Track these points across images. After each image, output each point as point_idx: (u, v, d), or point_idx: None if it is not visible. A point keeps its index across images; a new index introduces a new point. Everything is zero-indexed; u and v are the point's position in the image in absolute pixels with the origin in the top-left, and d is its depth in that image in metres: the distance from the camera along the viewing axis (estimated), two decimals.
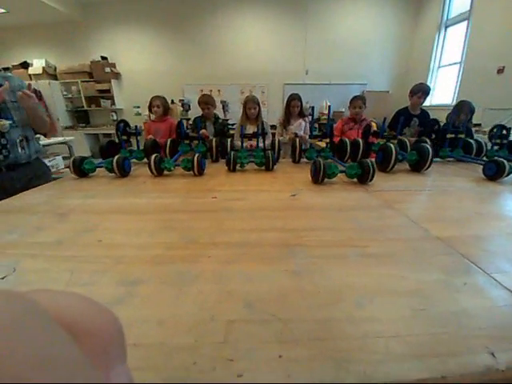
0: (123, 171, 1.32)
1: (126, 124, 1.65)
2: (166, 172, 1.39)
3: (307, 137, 2.38)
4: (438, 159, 1.69)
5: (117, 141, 1.67)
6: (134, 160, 1.62)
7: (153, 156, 1.32)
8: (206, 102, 2.21)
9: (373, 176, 1.14)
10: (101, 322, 0.13)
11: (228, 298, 0.49)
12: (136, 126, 1.64)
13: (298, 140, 1.59)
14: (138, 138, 1.65)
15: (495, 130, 1.63)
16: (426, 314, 0.44)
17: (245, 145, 1.67)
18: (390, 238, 0.70)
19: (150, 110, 2.27)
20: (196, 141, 1.67)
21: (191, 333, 0.41)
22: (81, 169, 1.32)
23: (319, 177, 1.14)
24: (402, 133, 2.16)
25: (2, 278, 0.55)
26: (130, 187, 1.21)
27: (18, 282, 0.54)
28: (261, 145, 1.61)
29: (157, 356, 0.38)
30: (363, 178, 1.15)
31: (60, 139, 3.62)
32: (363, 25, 5.02)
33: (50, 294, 0.13)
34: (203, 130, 2.07)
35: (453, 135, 1.63)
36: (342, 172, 1.21)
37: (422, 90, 2.20)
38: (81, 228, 0.79)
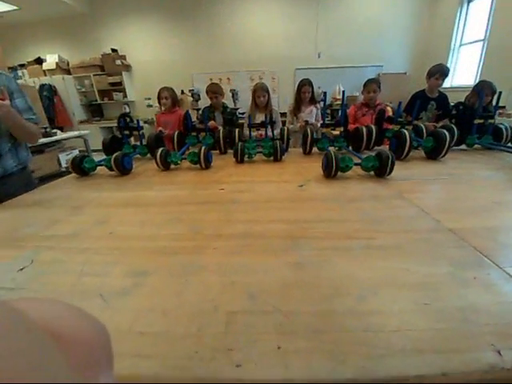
0: (123, 169, 1.26)
1: (128, 118, 1.61)
2: (172, 166, 1.37)
3: (319, 124, 2.26)
4: (463, 147, 1.57)
5: (120, 136, 1.63)
6: (137, 156, 1.59)
7: (159, 150, 1.30)
8: (213, 91, 2.17)
9: (391, 169, 1.04)
10: (87, 330, 0.13)
11: (231, 290, 0.50)
12: (138, 121, 1.61)
13: (309, 129, 1.50)
14: (142, 132, 1.61)
15: None
16: (430, 309, 0.43)
17: (254, 134, 1.64)
18: (398, 230, 0.69)
19: (159, 102, 2.28)
20: (203, 133, 1.64)
21: (194, 323, 0.42)
22: (81, 167, 1.27)
23: (331, 170, 1.05)
24: (419, 117, 2.05)
25: (21, 269, 0.58)
26: (140, 180, 1.23)
27: (34, 272, 0.57)
28: (270, 134, 1.59)
29: (162, 344, 0.39)
30: (381, 171, 1.06)
31: (76, 133, 3.73)
32: (377, 3, 4.74)
33: (37, 303, 0.13)
34: (211, 122, 2.05)
35: (481, 120, 1.48)
36: (357, 165, 1.12)
37: (440, 71, 2.08)
38: (93, 221, 0.82)
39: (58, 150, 3.48)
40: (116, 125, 1.58)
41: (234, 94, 4.11)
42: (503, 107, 3.00)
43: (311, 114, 2.26)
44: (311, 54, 5.09)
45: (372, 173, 1.12)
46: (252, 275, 0.53)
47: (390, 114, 1.67)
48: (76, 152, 3.65)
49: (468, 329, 0.39)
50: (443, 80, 2.11)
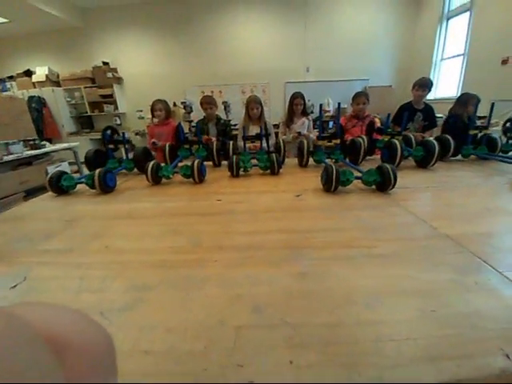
0: (105, 186, 1.15)
1: (114, 131, 1.52)
2: (164, 180, 1.30)
3: (311, 135, 2.33)
4: (458, 157, 1.56)
5: (104, 149, 1.52)
6: (123, 171, 1.50)
7: (150, 163, 1.23)
8: (208, 102, 2.21)
9: (394, 183, 1.00)
10: (90, 336, 0.13)
11: (236, 303, 0.49)
12: (123, 133, 1.52)
13: (305, 142, 1.48)
14: (127, 145, 1.52)
15: (509, 124, 1.55)
16: (436, 316, 0.43)
17: (248, 146, 1.63)
18: (397, 238, 0.70)
19: (152, 114, 2.28)
20: (196, 145, 1.59)
21: (200, 338, 0.41)
22: (59, 186, 1.16)
23: (331, 185, 1.02)
24: (406, 128, 2.13)
25: (14, 287, 0.56)
26: (133, 192, 1.21)
27: (28, 289, 0.55)
28: (265, 146, 1.58)
29: (167, 362, 0.38)
30: (383, 185, 1.02)
31: (65, 145, 3.66)
32: (363, 19, 4.97)
33: (40, 308, 0.13)
34: (205, 137, 2.04)
35: (476, 131, 1.51)
36: (357, 178, 1.08)
37: (419, 83, 2.20)
38: (88, 234, 0.79)
39: (47, 162, 3.39)
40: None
41: (226, 106, 4.17)
42: (484, 117, 3.15)
43: (303, 125, 2.32)
44: (300, 68, 5.25)
45: (373, 187, 1.08)
46: (256, 287, 0.53)
47: (379, 125, 1.72)
48: (65, 164, 3.57)
49: (476, 334, 0.40)
50: (425, 91, 2.21)
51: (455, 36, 4.17)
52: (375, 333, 0.40)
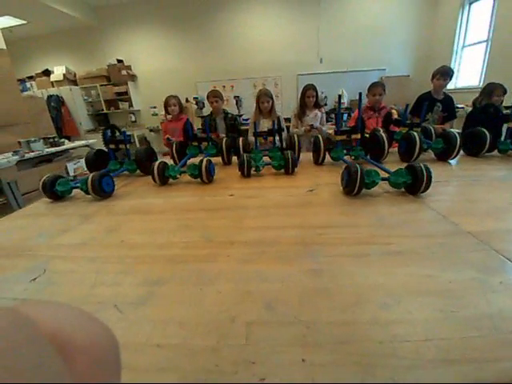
0: (101, 191, 1.06)
1: (114, 130, 1.42)
2: (170, 181, 1.23)
3: (324, 128, 2.28)
4: (495, 153, 1.39)
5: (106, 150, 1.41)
6: (126, 172, 1.41)
7: (156, 163, 1.17)
8: (214, 95, 2.16)
9: (428, 185, 0.88)
10: (94, 335, 0.13)
11: (247, 299, 0.48)
12: (124, 132, 1.39)
13: (320, 137, 1.34)
14: (128, 146, 1.39)
15: None
16: (457, 316, 0.41)
17: (259, 141, 1.47)
18: (415, 235, 0.67)
19: (166, 110, 2.30)
20: (205, 142, 1.51)
21: (212, 334, 0.41)
22: (53, 191, 1.07)
23: (354, 187, 0.88)
24: (425, 119, 2.03)
25: (34, 279, 0.58)
26: (143, 188, 1.22)
27: (47, 282, 0.57)
28: (278, 142, 1.49)
29: (179, 357, 0.38)
30: (415, 188, 0.89)
31: (83, 142, 3.78)
32: (379, 7, 4.77)
33: (44, 307, 0.13)
34: (214, 133, 2.02)
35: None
36: (384, 180, 0.95)
37: (441, 72, 2.08)
38: (103, 229, 0.81)
39: (66, 159, 3.52)
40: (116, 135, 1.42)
41: (238, 100, 4.15)
42: (509, 107, 2.97)
43: (316, 117, 2.26)
44: (313, 59, 5.13)
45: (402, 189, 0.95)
46: (267, 283, 0.52)
47: (396, 116, 1.65)
48: (83, 161, 3.69)
49: (498, 337, 0.38)
50: (446, 80, 2.10)
51: (478, 22, 3.92)
52: (391, 332, 0.39)
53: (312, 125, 2.16)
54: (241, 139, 1.50)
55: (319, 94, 2.31)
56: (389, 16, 4.81)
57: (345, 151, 1.34)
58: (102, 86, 5.41)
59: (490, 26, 3.61)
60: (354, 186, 0.88)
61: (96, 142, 3.99)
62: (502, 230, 0.66)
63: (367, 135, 1.39)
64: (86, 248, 0.71)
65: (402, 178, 0.91)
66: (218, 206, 0.95)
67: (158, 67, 5.41)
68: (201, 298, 0.50)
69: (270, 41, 5.09)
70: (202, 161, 1.15)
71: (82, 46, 5.47)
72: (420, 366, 0.34)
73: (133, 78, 5.49)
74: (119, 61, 5.31)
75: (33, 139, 2.81)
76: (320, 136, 1.37)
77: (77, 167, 3.36)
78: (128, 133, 1.44)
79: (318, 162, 1.39)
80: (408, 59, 5.05)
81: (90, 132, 5.53)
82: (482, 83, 3.71)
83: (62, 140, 3.50)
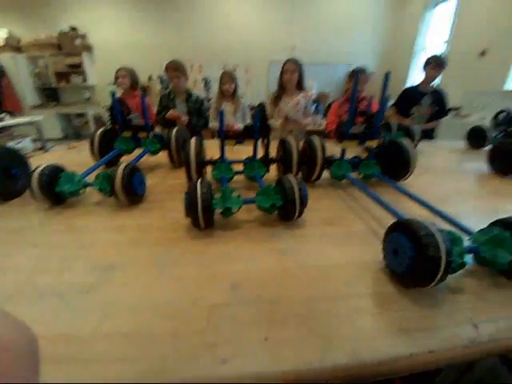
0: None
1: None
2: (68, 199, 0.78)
3: (310, 120, 1.76)
4: None
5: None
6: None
7: (39, 168, 0.71)
8: (174, 68, 1.69)
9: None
10: (10, 335, 0.13)
11: (211, 281, 0.46)
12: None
13: (315, 141, 0.83)
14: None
15: (500, 116, 1.42)
16: (409, 291, 0.44)
17: (231, 147, 0.84)
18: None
19: (115, 83, 1.91)
20: (144, 132, 1.04)
21: (170, 320, 0.38)
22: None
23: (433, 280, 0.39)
24: (410, 113, 1.92)
25: None
26: None
27: None
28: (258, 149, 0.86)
29: (133, 346, 0.35)
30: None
31: (27, 119, 3.32)
32: (348, 4, 4.87)
33: None
34: (171, 111, 1.70)
35: None
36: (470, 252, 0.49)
37: (441, 63, 1.84)
38: (47, 209, 0.72)
39: (7, 137, 3.10)
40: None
41: (207, 82, 3.95)
42: (457, 108, 3.27)
43: (298, 106, 1.71)
44: (286, 47, 5.09)
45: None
46: (233, 264, 0.50)
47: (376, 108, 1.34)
48: (28, 141, 3.27)
49: (446, 307, 0.40)
50: (440, 71, 1.87)
51: (439, 25, 4.20)
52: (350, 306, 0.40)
53: (286, 116, 1.70)
54: (193, 140, 0.83)
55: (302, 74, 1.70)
56: (357, 13, 4.95)
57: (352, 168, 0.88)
58: (51, 55, 4.79)
59: (451, 30, 3.86)
60: (427, 280, 0.40)
61: (43, 119, 3.56)
62: None
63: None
64: (26, 231, 0.62)
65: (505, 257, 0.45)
66: (177, 189, 0.88)
67: (120, 39, 4.91)
68: (160, 282, 0.46)
69: (242, 23, 4.92)
70: (117, 168, 0.71)
71: (29, 8, 4.72)
72: (378, 337, 0.35)
73: (88, 48, 4.92)
74: (73, 28, 4.72)
75: None
76: (316, 141, 0.83)
77: (20, 148, 2.98)
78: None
79: (309, 178, 0.87)
80: (374, 56, 5.27)
81: (36, 108, 4.89)
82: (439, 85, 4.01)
83: (2, 115, 3.06)
